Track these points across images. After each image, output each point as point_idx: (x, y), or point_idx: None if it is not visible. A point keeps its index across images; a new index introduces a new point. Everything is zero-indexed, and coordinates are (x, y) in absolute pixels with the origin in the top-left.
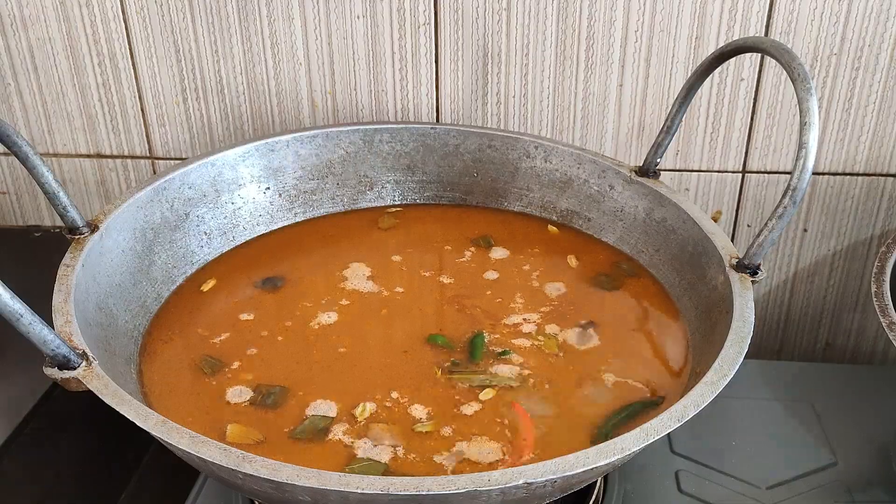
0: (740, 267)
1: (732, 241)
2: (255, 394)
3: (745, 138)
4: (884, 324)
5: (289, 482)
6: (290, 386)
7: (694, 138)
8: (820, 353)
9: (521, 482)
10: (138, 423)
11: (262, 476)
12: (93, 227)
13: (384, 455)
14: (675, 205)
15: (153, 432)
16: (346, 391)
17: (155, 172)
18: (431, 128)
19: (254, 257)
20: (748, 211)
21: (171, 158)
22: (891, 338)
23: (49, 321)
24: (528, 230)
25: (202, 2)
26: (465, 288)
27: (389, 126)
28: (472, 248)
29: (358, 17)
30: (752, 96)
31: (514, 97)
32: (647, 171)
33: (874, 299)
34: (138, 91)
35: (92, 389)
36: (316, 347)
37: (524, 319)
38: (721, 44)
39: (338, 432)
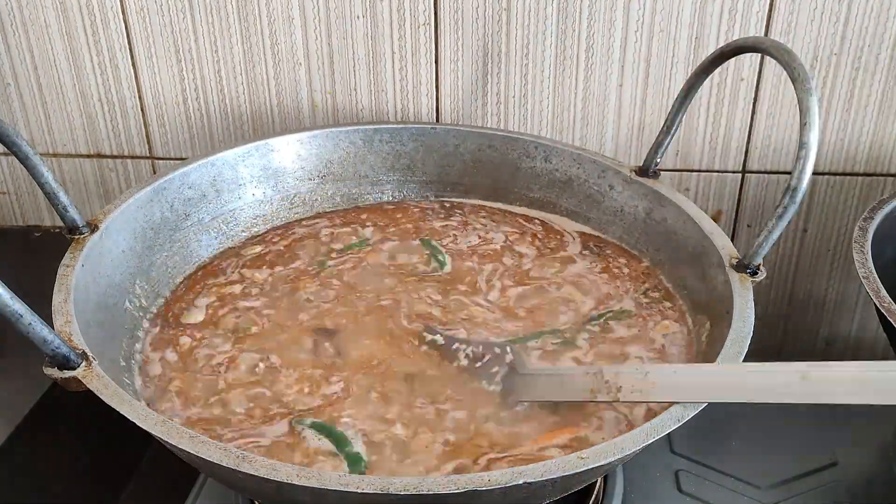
0: (740, 267)
1: (732, 241)
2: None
3: (745, 138)
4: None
5: (288, 482)
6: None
7: (694, 138)
8: (820, 353)
9: (521, 482)
10: (138, 423)
11: (261, 476)
12: (93, 227)
13: None
14: (675, 205)
15: (153, 432)
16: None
17: (155, 172)
18: (431, 128)
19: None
20: (748, 211)
21: (171, 158)
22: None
23: (49, 321)
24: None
25: (202, 2)
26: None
27: (389, 126)
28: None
29: (358, 17)
30: (752, 96)
31: (514, 97)
32: (647, 171)
33: (853, 244)
34: (138, 91)
35: (92, 389)
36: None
37: None
38: (721, 44)
39: None
